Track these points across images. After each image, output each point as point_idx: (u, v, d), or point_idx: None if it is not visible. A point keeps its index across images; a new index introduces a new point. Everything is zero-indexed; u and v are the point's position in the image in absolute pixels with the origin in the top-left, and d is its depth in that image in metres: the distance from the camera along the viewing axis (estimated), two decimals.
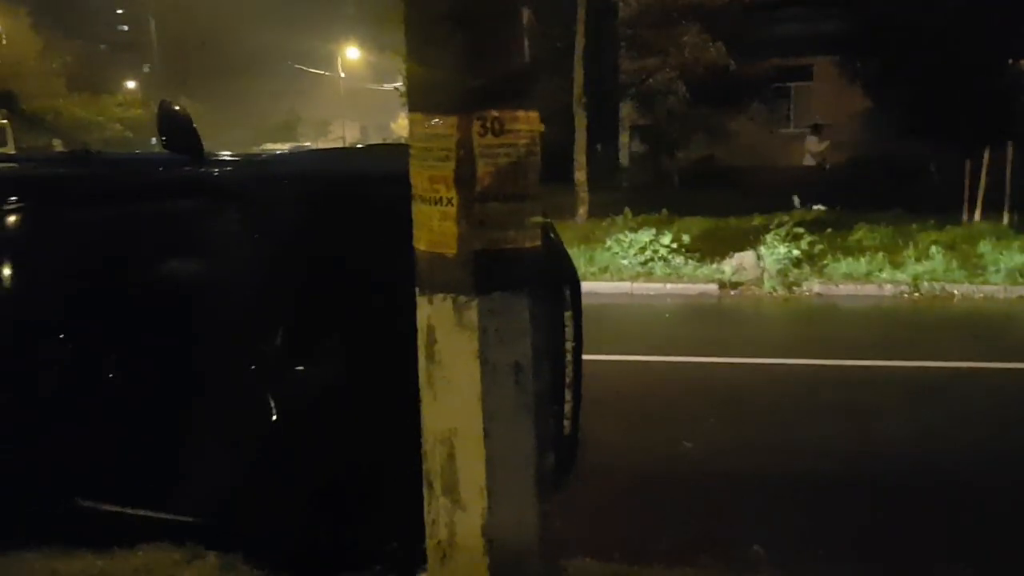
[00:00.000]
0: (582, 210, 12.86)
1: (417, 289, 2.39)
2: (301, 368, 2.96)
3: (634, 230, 10.26)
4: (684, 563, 3.18)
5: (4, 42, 29.01)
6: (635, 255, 9.83)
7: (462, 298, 2.37)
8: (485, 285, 2.37)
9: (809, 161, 17.78)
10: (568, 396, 3.33)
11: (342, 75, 47.13)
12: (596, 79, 13.89)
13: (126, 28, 51.48)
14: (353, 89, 47.30)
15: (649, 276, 9.44)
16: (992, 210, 11.23)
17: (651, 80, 15.02)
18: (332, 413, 2.95)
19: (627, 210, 11.68)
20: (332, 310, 2.98)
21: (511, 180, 2.37)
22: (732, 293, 8.95)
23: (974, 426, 4.79)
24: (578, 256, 10.09)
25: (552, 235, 3.54)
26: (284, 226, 3.01)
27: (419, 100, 2.35)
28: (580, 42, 12.49)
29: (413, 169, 2.33)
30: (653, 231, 10.01)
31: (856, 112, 17.79)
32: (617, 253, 9.97)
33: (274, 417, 2.87)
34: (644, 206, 13.15)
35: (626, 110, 18.52)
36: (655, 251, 9.79)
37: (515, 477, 2.49)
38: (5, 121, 23.23)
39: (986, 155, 11.38)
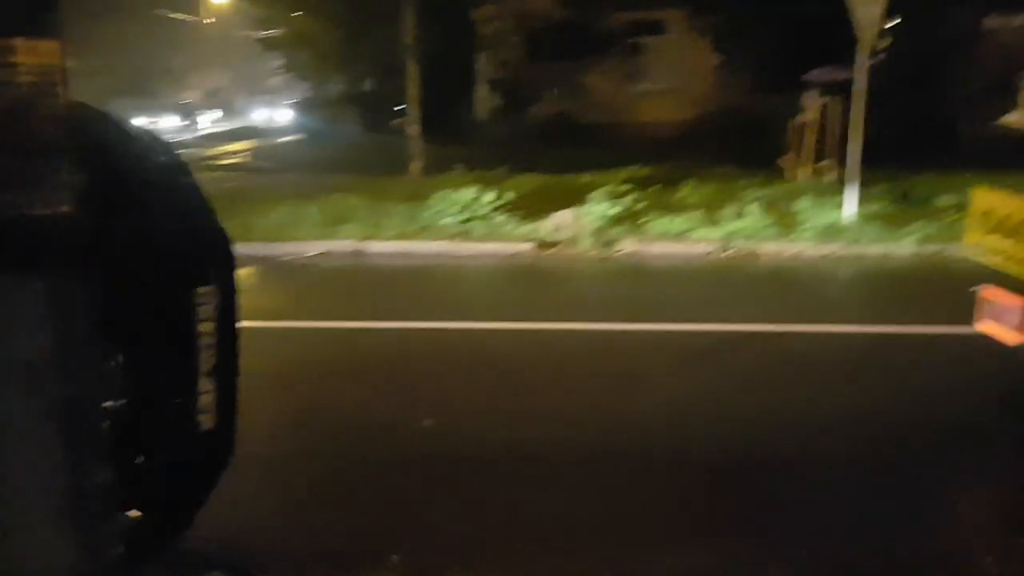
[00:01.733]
0: (414, 166, 12.42)
1: None
2: None
3: (462, 188, 9.90)
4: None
5: None
6: (457, 213, 9.48)
7: None
8: None
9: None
10: (209, 386, 2.91)
11: (205, 20, 44.75)
12: (441, 28, 13.42)
13: None
14: (224, 37, 44.87)
15: (467, 236, 9.10)
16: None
17: (487, 30, 14.54)
18: None
19: (459, 166, 11.31)
20: None
21: (8, 128, 1.94)
22: (546, 254, 8.71)
23: (745, 391, 4.65)
24: (400, 214, 9.69)
25: (197, 200, 3.10)
26: None
27: None
28: None
29: None
30: (475, 189, 9.67)
31: (707, 67, 17.88)
32: (439, 211, 9.60)
33: None
34: (492, 163, 12.83)
35: (481, 63, 18.09)
36: (476, 210, 9.46)
37: (35, 496, 2.09)
38: None
39: (822, 107, 11.44)
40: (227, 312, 3.01)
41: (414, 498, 3.52)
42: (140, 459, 2.81)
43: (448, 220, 9.38)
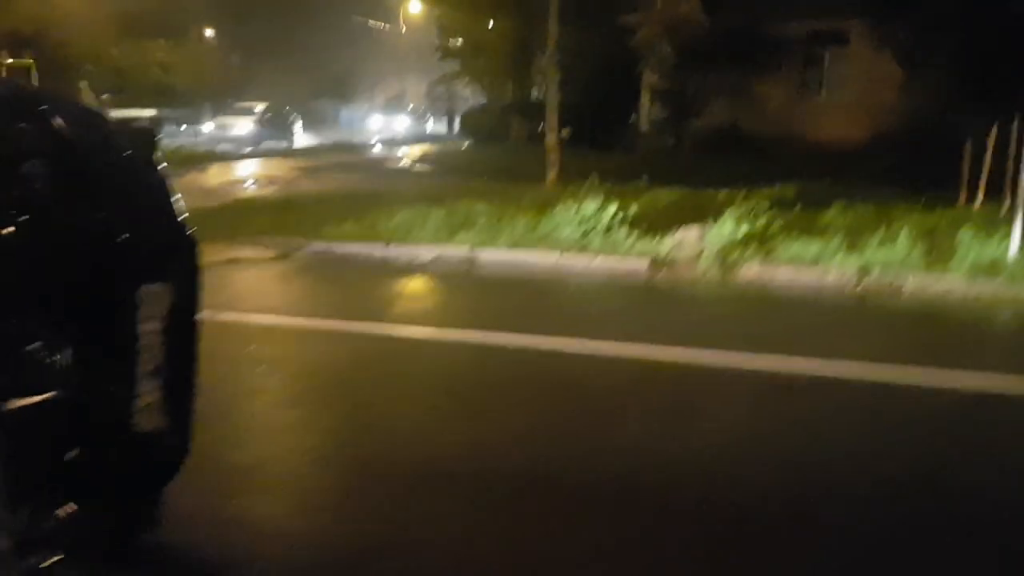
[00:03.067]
0: (551, 174, 12.20)
1: None
2: None
3: (588, 199, 9.58)
4: None
5: None
6: (576, 225, 9.19)
7: None
8: None
9: None
10: (152, 386, 2.82)
11: (403, 29, 46.69)
12: (594, 37, 13.15)
13: None
14: (417, 45, 46.68)
15: (582, 249, 8.77)
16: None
17: (636, 38, 14.09)
18: None
19: (593, 177, 10.99)
20: None
21: None
22: (662, 272, 8.22)
23: (891, 454, 4.05)
24: (521, 223, 9.52)
25: (157, 197, 3.02)
26: None
27: None
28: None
29: None
30: (600, 201, 9.33)
31: (890, 82, 16.49)
32: (559, 222, 9.35)
33: None
34: (641, 174, 12.47)
35: (642, 71, 17.61)
36: (596, 223, 9.12)
37: None
38: (31, 61, 23.73)
39: (993, 130, 10.22)
40: (181, 312, 2.91)
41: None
42: (73, 453, 2.74)
43: (567, 232, 9.11)
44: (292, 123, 31.96)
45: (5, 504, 2.66)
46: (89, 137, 2.81)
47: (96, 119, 3.02)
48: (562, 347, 5.61)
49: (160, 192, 2.98)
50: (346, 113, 39.37)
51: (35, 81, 23.41)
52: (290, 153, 25.95)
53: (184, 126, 31.08)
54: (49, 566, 2.69)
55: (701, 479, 3.65)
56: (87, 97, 24.41)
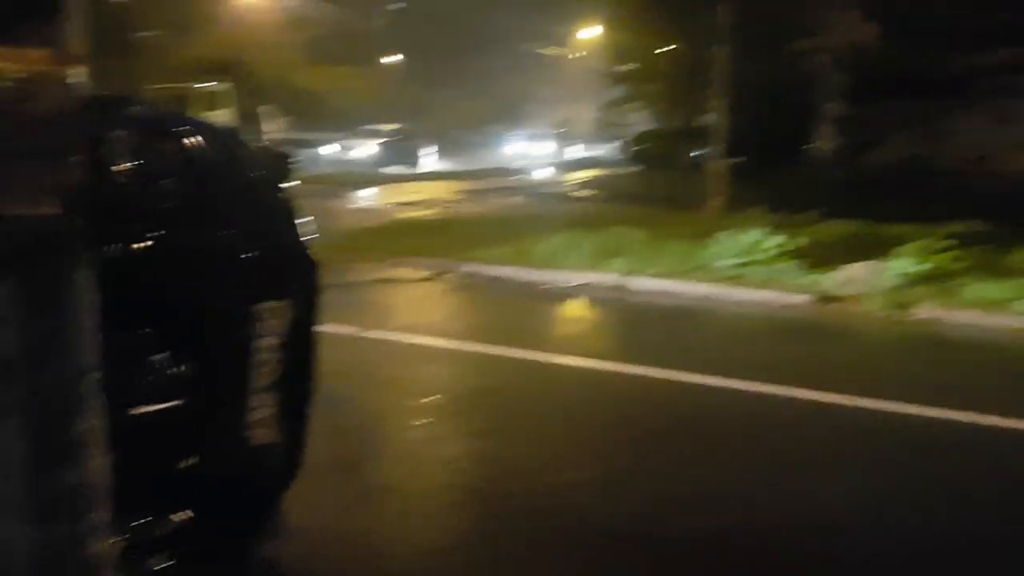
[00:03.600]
0: (714, 202, 11.77)
1: None
2: None
3: (750, 229, 9.15)
4: None
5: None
6: (736, 256, 8.77)
7: None
8: None
9: None
10: (267, 401, 2.82)
11: (572, 55, 46.98)
12: (765, 63, 12.64)
13: (404, 5, 53.20)
14: (585, 71, 46.92)
15: (738, 281, 8.36)
16: None
17: (811, 64, 13.39)
18: None
19: (762, 206, 10.53)
20: None
21: None
22: (825, 309, 7.68)
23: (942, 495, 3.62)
24: (676, 251, 9.22)
25: (279, 216, 3.04)
26: None
27: None
28: (725, 15, 11.35)
29: None
30: (762, 231, 8.87)
31: None
32: (718, 252, 8.96)
33: None
34: (811, 205, 11.83)
35: (821, 101, 16.76)
36: (757, 254, 8.67)
37: None
38: (229, 86, 25.68)
39: None
40: (299, 330, 2.92)
41: None
42: (189, 462, 2.79)
43: (725, 262, 8.71)
44: (418, 147, 31.85)
45: (120, 506, 2.73)
46: (219, 159, 2.88)
47: (228, 142, 3.10)
48: (715, 384, 5.28)
49: (285, 213, 3.02)
50: (511, 138, 39.99)
51: (230, 105, 25.28)
52: (457, 176, 26.53)
53: (349, 149, 31.60)
54: (161, 570, 2.75)
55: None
56: (270, 121, 26.08)
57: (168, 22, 28.39)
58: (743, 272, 8.54)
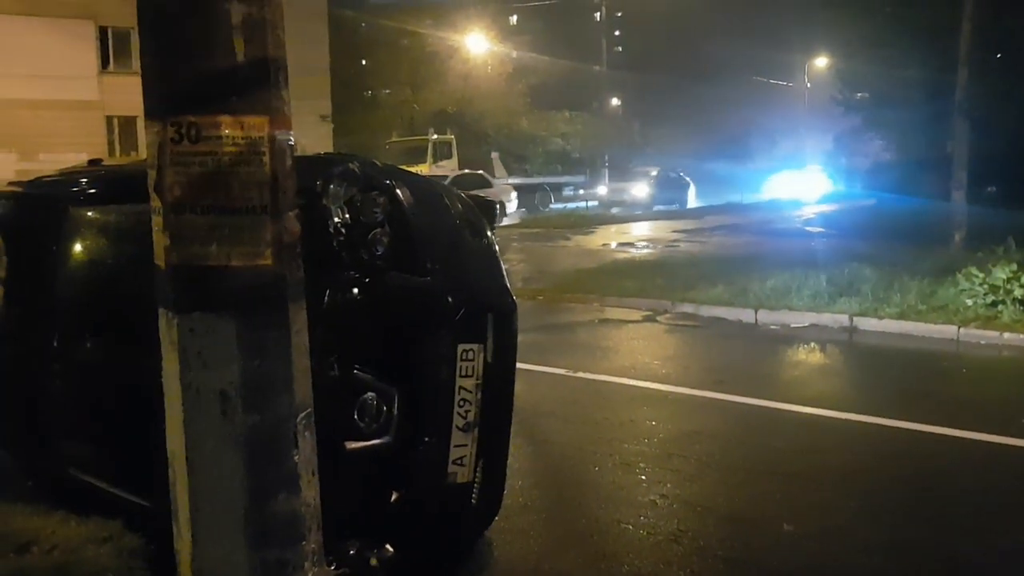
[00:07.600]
0: (957, 236, 10.74)
1: None
2: None
3: (1002, 265, 8.25)
4: None
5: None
6: (984, 295, 7.94)
7: (169, 314, 2.28)
8: (185, 303, 2.24)
9: None
10: (465, 440, 2.89)
11: (807, 85, 45.22)
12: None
13: (620, 49, 54.44)
14: (819, 101, 44.90)
15: (989, 322, 7.54)
16: None
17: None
18: None
19: (1010, 240, 9.47)
20: None
21: (210, 191, 2.20)
22: None
23: None
24: (914, 290, 8.53)
25: (482, 261, 3.13)
26: None
27: (145, 105, 2.31)
28: (965, 38, 10.41)
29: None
30: (1011, 267, 7.97)
31: None
32: (964, 291, 8.16)
33: None
34: None
35: None
36: (1011, 292, 7.79)
37: (220, 514, 2.30)
38: (451, 136, 27.14)
39: None
40: (497, 372, 2.98)
41: None
42: (393, 497, 2.92)
43: (970, 302, 7.92)
44: (685, 185, 32.23)
45: (332, 535, 2.89)
46: (427, 208, 3.03)
47: (435, 191, 3.26)
48: (961, 436, 4.80)
49: (487, 259, 3.12)
50: (744, 173, 38.96)
51: (453, 155, 26.66)
52: (680, 215, 26.21)
53: (580, 191, 32.88)
54: None
55: None
56: (497, 166, 27.30)
57: (402, 80, 30.71)
58: (992, 312, 7.72)
